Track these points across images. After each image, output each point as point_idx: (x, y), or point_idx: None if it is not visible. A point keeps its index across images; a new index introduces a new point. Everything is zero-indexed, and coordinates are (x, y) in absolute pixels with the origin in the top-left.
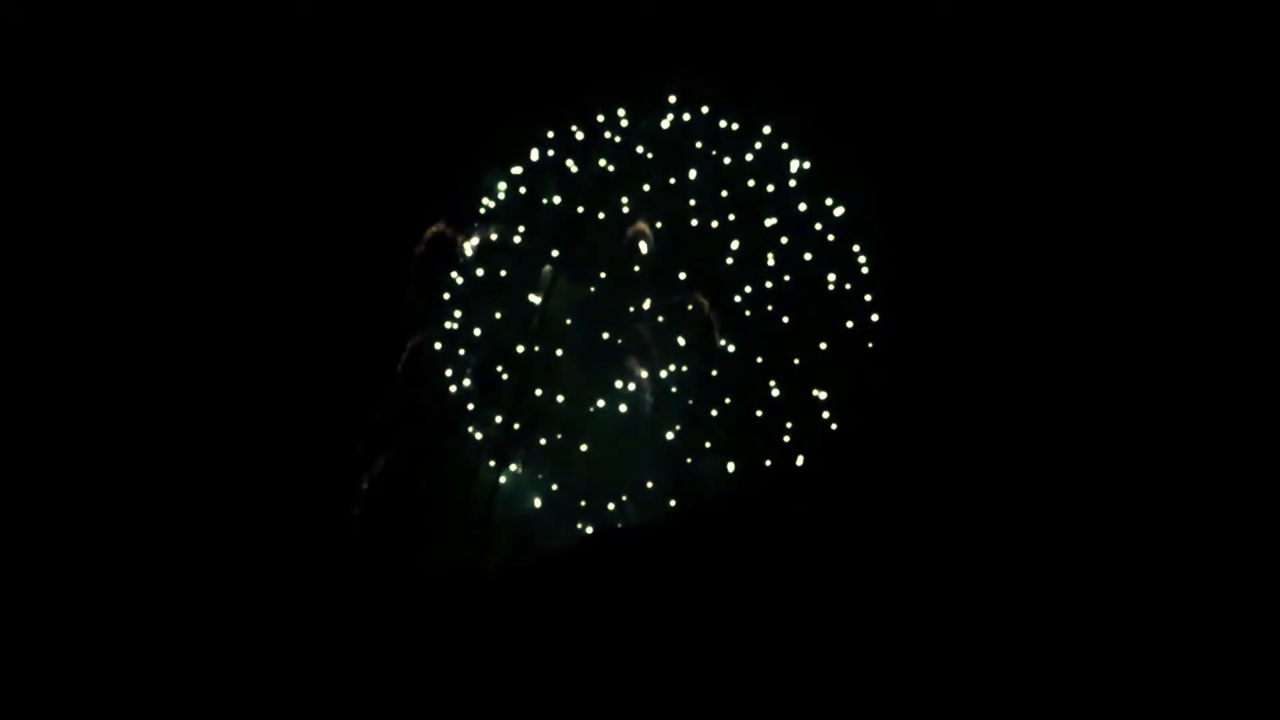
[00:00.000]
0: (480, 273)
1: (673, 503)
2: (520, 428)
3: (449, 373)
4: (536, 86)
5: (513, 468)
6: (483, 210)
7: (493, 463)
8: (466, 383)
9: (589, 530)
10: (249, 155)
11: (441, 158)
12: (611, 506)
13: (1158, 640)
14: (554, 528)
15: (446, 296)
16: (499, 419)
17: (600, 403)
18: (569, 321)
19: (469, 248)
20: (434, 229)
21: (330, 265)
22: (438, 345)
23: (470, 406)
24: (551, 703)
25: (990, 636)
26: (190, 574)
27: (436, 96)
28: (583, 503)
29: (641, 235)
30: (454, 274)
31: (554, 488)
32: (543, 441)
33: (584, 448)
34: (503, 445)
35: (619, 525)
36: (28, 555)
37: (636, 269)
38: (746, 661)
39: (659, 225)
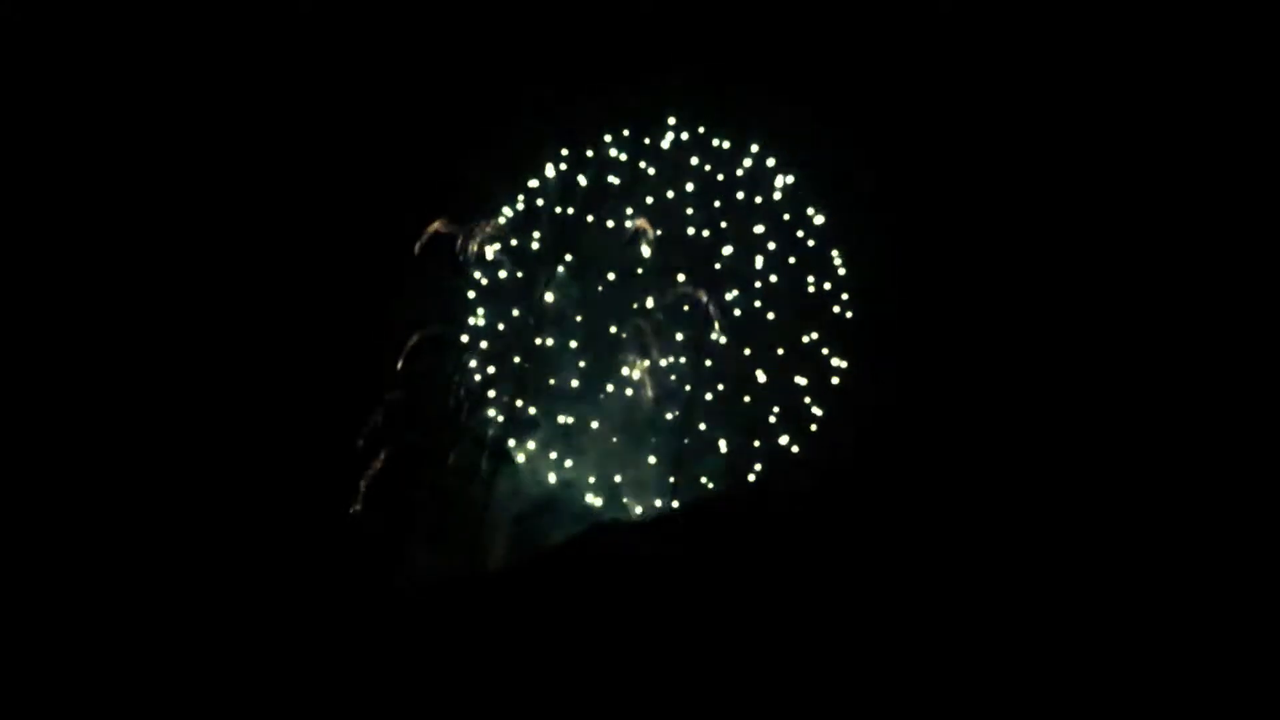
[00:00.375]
0: (484, 274)
1: (671, 480)
2: (522, 421)
3: (449, 371)
4: (538, 87)
5: (524, 451)
6: (502, 220)
7: (492, 459)
8: (467, 381)
9: (598, 502)
10: (252, 156)
11: (443, 159)
12: (618, 479)
13: (1150, 636)
14: (555, 519)
15: (447, 297)
16: (500, 414)
17: (609, 388)
18: (578, 318)
19: (473, 249)
20: (433, 228)
21: (331, 265)
22: (442, 342)
23: (470, 404)
24: (552, 701)
25: (963, 612)
26: (191, 570)
27: (436, 96)
28: (591, 480)
29: (643, 232)
30: (456, 275)
31: (566, 465)
32: (554, 425)
33: (593, 425)
34: (502, 441)
35: (618, 519)
36: (28, 554)
37: (640, 269)
38: (743, 656)
39: (659, 232)
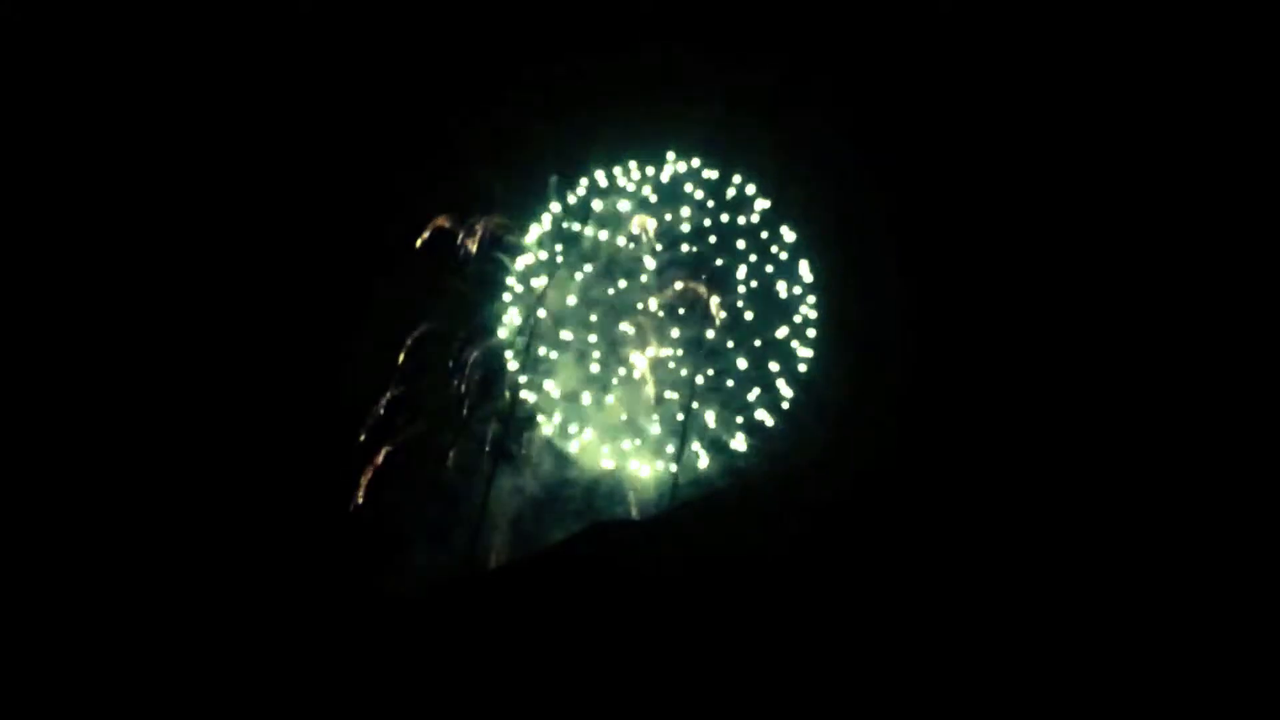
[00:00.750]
0: (486, 271)
1: (670, 449)
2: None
3: (451, 366)
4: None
5: (548, 423)
6: (507, 221)
7: (492, 456)
8: (469, 376)
9: (610, 465)
10: (258, 154)
11: (446, 155)
12: (627, 446)
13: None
14: (555, 518)
15: (448, 292)
16: (507, 405)
17: (620, 373)
18: (592, 317)
19: (473, 247)
20: (435, 224)
21: (332, 261)
22: (444, 337)
23: (471, 399)
24: (551, 700)
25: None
26: (192, 566)
27: (437, 94)
28: (605, 448)
29: (643, 228)
30: (457, 271)
31: (585, 435)
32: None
33: (606, 402)
34: (502, 436)
35: (617, 518)
36: (28, 552)
37: (642, 273)
38: (739, 654)
39: (659, 248)
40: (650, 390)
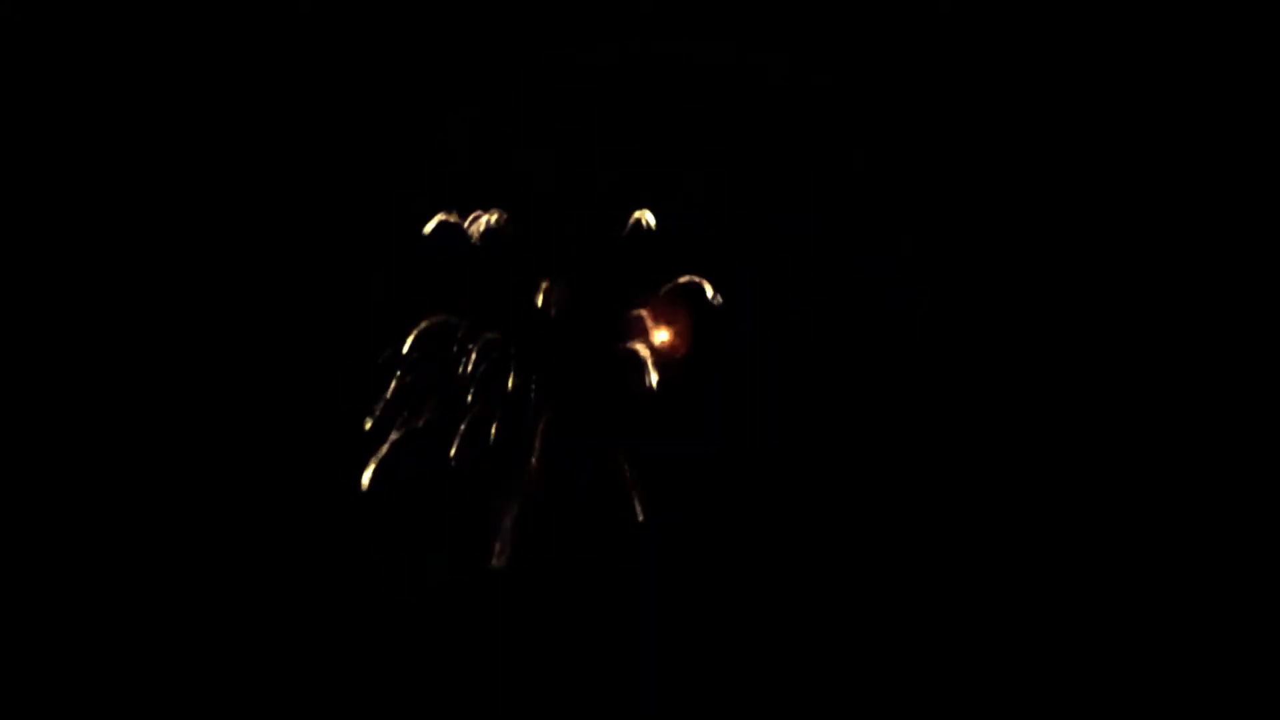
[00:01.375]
0: (490, 261)
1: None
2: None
3: (455, 357)
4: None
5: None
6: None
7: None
8: (474, 368)
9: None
10: (262, 147)
11: (447, 150)
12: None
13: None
14: (555, 517)
15: (453, 282)
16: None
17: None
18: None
19: (476, 237)
20: (439, 218)
21: (337, 252)
22: (448, 329)
23: (475, 391)
24: (552, 700)
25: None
26: (194, 563)
27: (442, 86)
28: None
29: (642, 221)
30: (463, 261)
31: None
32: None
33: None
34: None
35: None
36: (28, 548)
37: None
38: (738, 655)
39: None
40: (652, 369)
